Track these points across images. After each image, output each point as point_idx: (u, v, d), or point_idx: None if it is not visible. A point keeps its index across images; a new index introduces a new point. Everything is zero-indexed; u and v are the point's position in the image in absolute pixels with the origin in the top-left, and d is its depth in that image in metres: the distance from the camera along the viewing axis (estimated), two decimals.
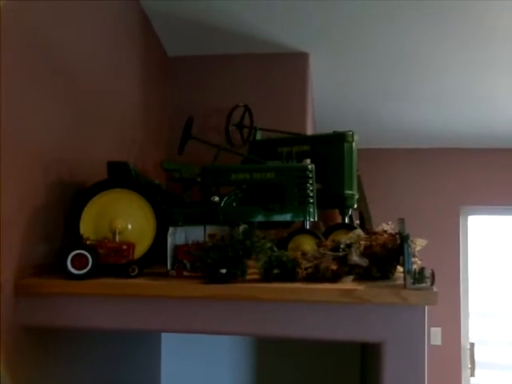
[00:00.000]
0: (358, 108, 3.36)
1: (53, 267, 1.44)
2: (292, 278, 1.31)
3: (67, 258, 1.31)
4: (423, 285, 1.17)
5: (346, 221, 1.80)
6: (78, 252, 1.31)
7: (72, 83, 1.62)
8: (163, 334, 2.29)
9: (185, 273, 1.38)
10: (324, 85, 2.91)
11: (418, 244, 1.39)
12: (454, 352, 4.18)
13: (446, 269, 3.99)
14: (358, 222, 2.24)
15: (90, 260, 1.31)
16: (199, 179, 1.69)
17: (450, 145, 4.17)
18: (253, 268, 1.34)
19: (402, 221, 1.31)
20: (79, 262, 1.31)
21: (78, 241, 1.40)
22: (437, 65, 2.68)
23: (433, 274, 1.19)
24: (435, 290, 1.16)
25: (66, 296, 1.30)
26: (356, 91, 3.10)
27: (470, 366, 4.22)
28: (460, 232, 4.29)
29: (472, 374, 4.22)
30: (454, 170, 4.28)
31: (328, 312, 1.20)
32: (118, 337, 1.90)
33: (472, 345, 4.24)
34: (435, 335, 4.11)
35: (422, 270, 1.19)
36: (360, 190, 2.09)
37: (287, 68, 2.53)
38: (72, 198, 1.54)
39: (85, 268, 1.31)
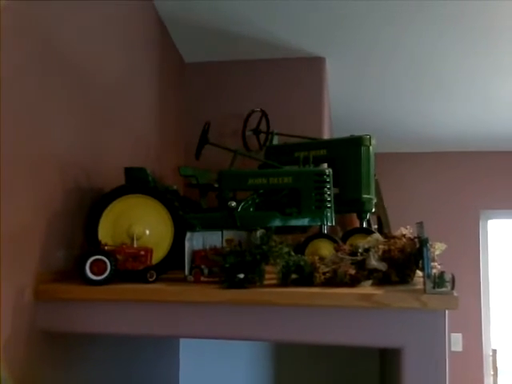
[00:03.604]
0: (375, 112, 3.35)
1: (72, 273, 1.45)
2: (310, 282, 1.30)
3: (86, 263, 1.31)
4: (443, 289, 1.16)
5: (364, 225, 1.79)
6: (96, 258, 1.32)
7: (89, 90, 1.64)
8: (181, 340, 2.29)
9: (202, 278, 1.38)
10: (341, 89, 2.90)
11: (438, 248, 1.37)
12: (476, 359, 4.12)
13: (467, 273, 3.95)
14: (376, 226, 2.22)
15: (109, 266, 1.32)
16: (216, 184, 1.70)
17: (470, 148, 4.15)
18: (271, 273, 1.33)
19: (420, 224, 1.30)
20: (98, 267, 1.31)
21: (97, 246, 1.41)
22: (455, 68, 2.67)
23: (453, 279, 1.17)
24: (455, 294, 1.14)
25: (84, 302, 1.30)
26: (373, 95, 3.09)
27: (492, 372, 4.15)
28: (480, 236, 4.24)
29: (495, 382, 4.15)
30: (473, 174, 4.24)
31: (346, 317, 1.19)
32: (136, 342, 1.90)
33: (494, 351, 4.18)
34: (456, 341, 4.05)
35: (441, 274, 1.18)
36: (378, 194, 2.07)
37: (303, 73, 2.53)
38: (90, 204, 1.55)
39: (103, 274, 1.31)
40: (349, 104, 3.20)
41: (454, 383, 1.45)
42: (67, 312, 1.31)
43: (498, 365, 4.16)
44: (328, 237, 1.56)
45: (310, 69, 2.53)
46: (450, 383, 1.15)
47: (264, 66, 2.56)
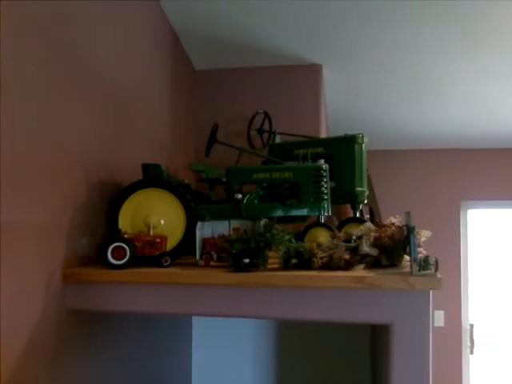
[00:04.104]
0: (367, 113, 3.33)
1: (95, 258, 1.45)
2: (308, 266, 1.29)
3: (108, 250, 1.32)
4: (428, 272, 1.15)
5: (357, 215, 1.78)
6: (117, 245, 1.32)
7: (110, 95, 1.63)
8: (194, 321, 2.29)
9: (212, 263, 1.38)
10: (336, 93, 2.89)
11: (423, 235, 1.37)
12: (456, 332, 4.14)
13: (449, 257, 3.95)
14: (368, 216, 2.21)
15: (128, 252, 1.31)
16: (224, 179, 1.69)
17: (451, 146, 4.16)
18: (273, 258, 1.33)
19: (408, 214, 1.29)
20: (118, 253, 1.31)
21: (117, 235, 1.41)
22: (439, 73, 2.65)
23: (437, 262, 1.17)
24: (439, 276, 1.13)
25: (106, 284, 1.30)
26: (366, 98, 3.07)
27: (469, 344, 4.17)
28: (461, 224, 4.26)
29: (471, 352, 4.19)
30: (454, 169, 4.25)
31: (341, 297, 1.19)
32: (154, 322, 1.90)
33: (471, 326, 4.20)
34: (438, 317, 4.07)
35: (426, 258, 1.17)
36: (370, 187, 2.06)
37: (302, 78, 2.51)
38: (111, 197, 1.55)
39: (123, 259, 1.31)
40: (344, 106, 3.18)
41: (437, 355, 1.45)
42: (91, 293, 1.31)
43: (475, 337, 4.18)
44: (325, 225, 1.56)
45: (308, 75, 2.51)
46: (432, 355, 1.15)
47: (267, 73, 2.54)
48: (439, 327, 4.03)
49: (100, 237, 1.53)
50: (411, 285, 1.13)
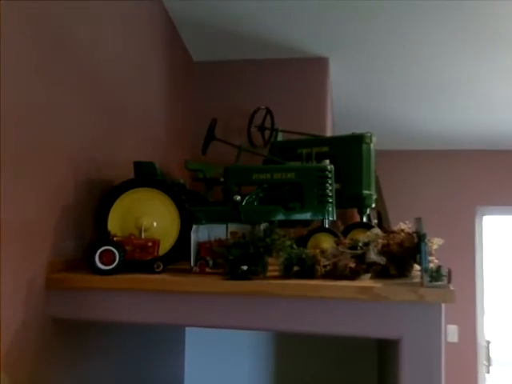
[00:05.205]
0: (377, 110, 3.33)
1: (81, 263, 1.44)
2: (311, 275, 1.29)
3: (95, 253, 1.31)
4: (440, 283, 1.15)
5: (364, 220, 1.78)
6: (105, 248, 1.32)
7: (100, 85, 1.62)
8: (187, 329, 2.29)
9: (207, 269, 1.37)
10: (343, 88, 2.89)
11: (435, 243, 1.36)
12: (471, 349, 4.11)
13: (462, 267, 3.93)
14: (376, 221, 2.21)
15: (117, 256, 1.31)
16: (222, 179, 1.69)
17: (467, 147, 4.14)
18: (273, 265, 1.32)
19: (419, 220, 1.28)
20: (107, 257, 1.31)
21: (106, 237, 1.40)
22: (455, 71, 2.65)
23: (449, 273, 1.16)
24: (452, 288, 1.13)
25: (93, 290, 1.30)
26: (375, 94, 3.07)
27: (486, 363, 4.14)
28: (476, 231, 4.23)
29: (487, 371, 4.15)
30: (470, 171, 4.23)
31: (346, 308, 1.18)
32: (144, 331, 1.90)
33: (488, 342, 4.17)
34: (452, 332, 4.05)
35: (438, 268, 1.17)
36: (378, 190, 2.06)
37: (307, 72, 2.52)
38: (100, 197, 1.55)
39: (112, 264, 1.31)
40: (351, 102, 3.18)
41: (450, 373, 1.44)
42: (77, 300, 1.30)
43: (491, 355, 4.15)
44: (329, 231, 1.55)
45: (314, 68, 2.51)
46: (445, 373, 1.14)
47: (269, 66, 2.54)
48: (452, 343, 4.01)
49: (87, 239, 1.53)
50: (422, 297, 1.13)
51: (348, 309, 1.18)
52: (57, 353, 1.37)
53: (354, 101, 3.15)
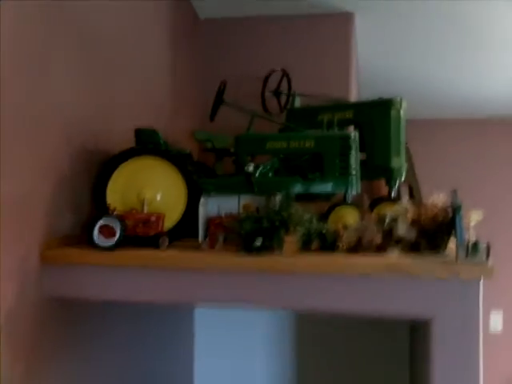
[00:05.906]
0: (407, 74, 3.30)
1: (80, 238, 1.47)
2: (332, 250, 1.31)
3: (94, 228, 1.34)
4: (477, 258, 1.16)
5: (393, 194, 1.78)
6: (105, 221, 1.34)
7: (95, 43, 1.63)
8: (196, 310, 2.32)
9: (217, 245, 1.39)
10: (370, 47, 2.86)
11: (474, 217, 1.36)
12: None
13: (508, 245, 3.88)
14: (406, 196, 2.21)
15: (118, 231, 1.34)
16: (232, 149, 1.69)
17: (506, 113, 4.08)
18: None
19: (454, 192, 1.29)
20: (106, 232, 1.34)
21: (105, 211, 1.42)
22: (495, 33, 2.61)
23: (488, 248, 1.17)
24: (490, 263, 1.14)
25: (92, 267, 1.33)
26: (406, 55, 3.04)
27: None
28: None
29: None
30: (510, 142, 4.19)
31: (372, 286, 1.19)
32: (149, 311, 1.93)
33: None
34: (495, 319, 4.04)
35: (475, 243, 1.18)
36: (409, 161, 2.06)
37: (330, 29, 2.50)
38: (98, 167, 1.57)
39: (112, 239, 1.34)
40: (379, 64, 3.15)
41: (491, 363, 1.46)
42: (75, 277, 1.33)
43: None
44: (353, 204, 1.56)
45: (337, 25, 2.49)
46: (484, 361, 1.15)
47: (286, 22, 2.53)
48: (495, 332, 4.01)
49: (85, 214, 1.55)
50: (456, 273, 1.14)
51: (374, 286, 1.19)
52: (52, 332, 1.41)
53: (381, 62, 3.13)
